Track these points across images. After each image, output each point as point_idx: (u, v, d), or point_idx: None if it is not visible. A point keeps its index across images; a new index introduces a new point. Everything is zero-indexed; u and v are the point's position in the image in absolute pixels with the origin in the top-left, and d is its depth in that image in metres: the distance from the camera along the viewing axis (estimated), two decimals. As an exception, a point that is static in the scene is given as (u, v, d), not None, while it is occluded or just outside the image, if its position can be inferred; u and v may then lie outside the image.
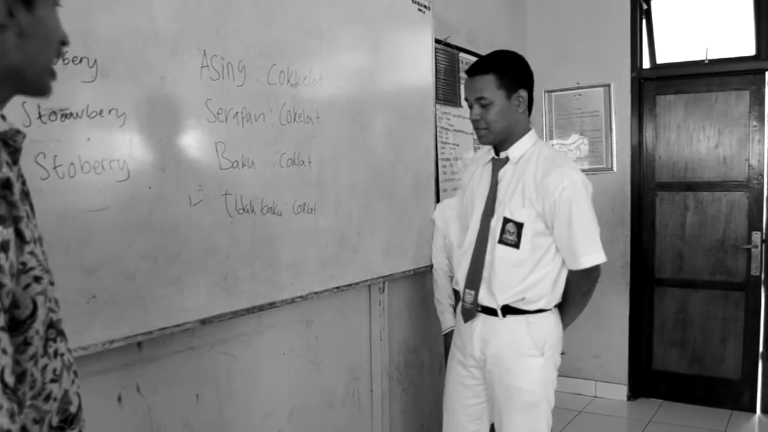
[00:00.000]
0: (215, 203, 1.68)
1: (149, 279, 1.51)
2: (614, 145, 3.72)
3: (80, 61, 1.35)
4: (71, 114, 1.34)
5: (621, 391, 3.75)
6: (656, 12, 3.73)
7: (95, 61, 1.38)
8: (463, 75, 2.95)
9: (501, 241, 1.83)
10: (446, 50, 2.95)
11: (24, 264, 0.67)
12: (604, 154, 3.75)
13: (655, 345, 3.74)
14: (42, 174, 1.28)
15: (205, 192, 1.65)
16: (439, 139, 2.81)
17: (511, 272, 1.82)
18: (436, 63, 2.75)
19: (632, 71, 3.67)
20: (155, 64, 1.52)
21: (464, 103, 1.98)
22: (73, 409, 0.75)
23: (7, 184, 0.65)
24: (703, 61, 3.56)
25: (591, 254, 1.79)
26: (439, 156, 2.82)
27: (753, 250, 3.46)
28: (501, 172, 1.88)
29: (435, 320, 2.59)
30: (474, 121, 1.85)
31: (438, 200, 2.73)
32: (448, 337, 2.36)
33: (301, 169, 1.97)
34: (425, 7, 2.63)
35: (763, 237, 3.45)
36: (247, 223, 1.78)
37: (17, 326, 0.67)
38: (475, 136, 1.96)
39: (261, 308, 1.84)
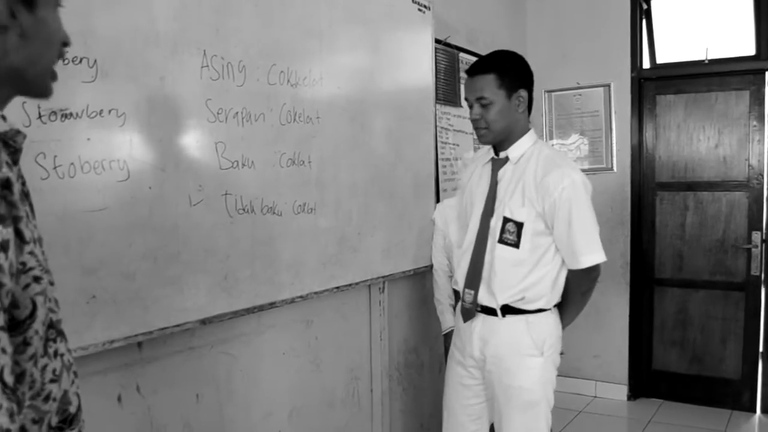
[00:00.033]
0: (215, 203, 1.68)
1: (149, 279, 1.51)
2: (614, 145, 3.72)
3: (80, 61, 1.35)
4: (71, 114, 1.34)
5: (621, 391, 3.75)
6: (656, 12, 3.73)
7: (95, 61, 1.38)
8: (463, 75, 2.95)
9: (501, 241, 1.83)
10: (446, 50, 2.95)
11: (23, 264, 0.67)
12: (604, 154, 3.75)
13: (655, 345, 3.74)
14: (42, 174, 1.28)
15: (205, 192, 1.65)
16: (439, 139, 2.81)
17: (511, 272, 1.82)
18: (436, 63, 2.75)
19: (632, 71, 3.67)
20: (155, 64, 1.52)
21: (464, 103, 1.98)
22: (72, 409, 0.75)
23: (6, 184, 0.65)
24: (703, 61, 3.56)
25: (591, 253, 1.80)
26: (439, 156, 2.82)
27: (753, 249, 3.46)
28: (501, 172, 1.88)
29: (435, 320, 2.59)
30: (474, 121, 1.85)
31: (438, 200, 2.73)
32: (448, 337, 2.36)
33: (301, 169, 1.97)
34: (425, 7, 2.63)
35: (763, 237, 3.45)
36: (247, 223, 1.78)
37: (16, 326, 0.67)
38: (475, 136, 1.96)
39: (261, 308, 1.84)
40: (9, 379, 0.61)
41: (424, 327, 2.79)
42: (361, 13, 2.24)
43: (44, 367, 0.71)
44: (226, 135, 1.71)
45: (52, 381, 0.72)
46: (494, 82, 1.80)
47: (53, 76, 0.75)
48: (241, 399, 1.90)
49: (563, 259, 1.84)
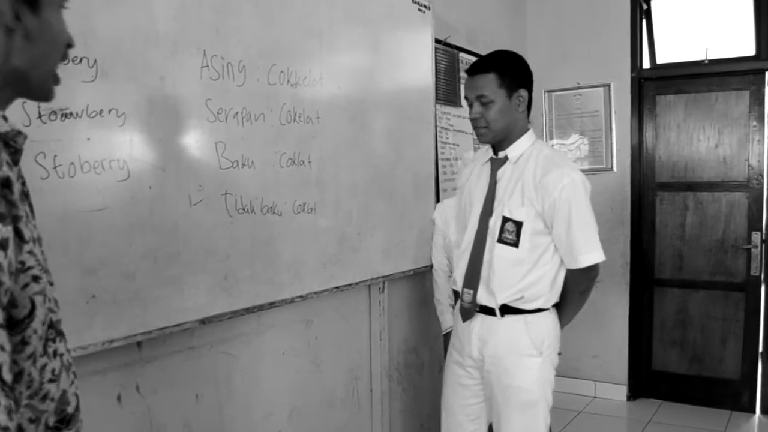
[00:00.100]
0: (215, 203, 1.68)
1: (149, 279, 1.51)
2: (614, 145, 3.73)
3: (80, 61, 1.35)
4: (71, 114, 1.34)
5: (620, 392, 3.75)
6: (656, 12, 3.73)
7: (95, 61, 1.38)
8: (463, 75, 2.95)
9: (500, 240, 1.84)
10: (446, 50, 2.95)
11: (22, 263, 0.67)
12: (604, 154, 3.75)
13: (655, 345, 3.74)
14: (42, 174, 1.28)
15: (205, 192, 1.65)
16: (439, 139, 2.81)
17: (510, 271, 1.83)
18: (436, 63, 2.75)
19: (632, 71, 3.67)
20: (155, 64, 1.52)
21: (464, 103, 1.98)
22: (70, 409, 0.75)
23: (6, 183, 0.65)
24: (703, 61, 3.56)
25: (590, 253, 1.80)
26: (439, 156, 2.82)
27: (753, 250, 3.46)
28: (500, 172, 1.88)
29: (435, 320, 2.59)
30: (474, 120, 1.86)
31: (438, 200, 2.74)
32: (447, 337, 2.36)
33: (301, 169, 1.97)
34: (425, 7, 2.63)
35: (763, 237, 3.45)
36: (247, 223, 1.78)
37: (15, 325, 0.67)
38: (475, 136, 1.96)
39: (261, 308, 1.84)
40: (8, 376, 0.61)
41: (423, 327, 2.79)
42: (361, 13, 2.24)
43: (43, 367, 0.71)
44: (226, 135, 1.71)
45: (50, 381, 0.72)
46: (495, 82, 1.81)
47: (55, 80, 0.75)
48: (240, 399, 1.90)
49: (562, 258, 1.84)
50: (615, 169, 3.73)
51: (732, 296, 3.53)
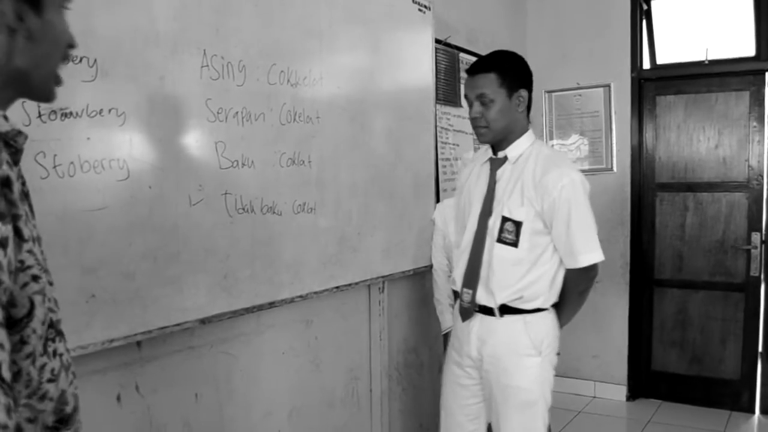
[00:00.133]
0: (215, 203, 1.68)
1: (149, 278, 1.51)
2: (614, 146, 3.72)
3: (80, 60, 1.35)
4: (71, 113, 1.34)
5: (620, 392, 3.75)
6: (656, 12, 3.72)
7: (95, 60, 1.38)
8: (463, 75, 2.95)
9: (499, 240, 1.84)
10: (446, 50, 2.95)
11: (22, 262, 0.67)
12: (604, 155, 3.75)
13: (655, 345, 3.74)
14: (42, 173, 1.29)
15: (205, 192, 1.65)
16: (439, 139, 2.81)
17: (510, 271, 1.83)
18: (436, 63, 2.75)
19: (632, 72, 3.67)
20: (155, 63, 1.52)
21: (464, 103, 1.98)
22: (68, 409, 0.75)
23: (6, 182, 0.65)
24: (703, 61, 3.56)
25: (589, 252, 1.80)
26: (439, 156, 2.82)
27: (752, 250, 3.46)
28: (499, 172, 1.88)
29: (434, 320, 2.59)
30: (473, 119, 1.86)
31: (438, 200, 2.74)
32: (447, 336, 2.36)
33: (301, 169, 1.97)
34: (425, 7, 2.63)
35: (763, 238, 3.45)
36: (246, 222, 1.78)
37: (14, 325, 0.66)
38: (475, 136, 1.96)
39: (261, 308, 1.84)
40: (7, 374, 0.61)
41: (423, 327, 2.79)
42: (361, 13, 2.24)
43: (43, 367, 0.71)
44: (226, 134, 1.71)
45: (49, 380, 0.72)
46: (495, 81, 1.81)
47: (57, 81, 0.75)
48: (240, 398, 1.90)
49: (561, 258, 1.84)
50: (615, 169, 3.73)
51: (732, 297, 3.53)
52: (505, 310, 1.85)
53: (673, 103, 3.65)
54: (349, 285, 2.21)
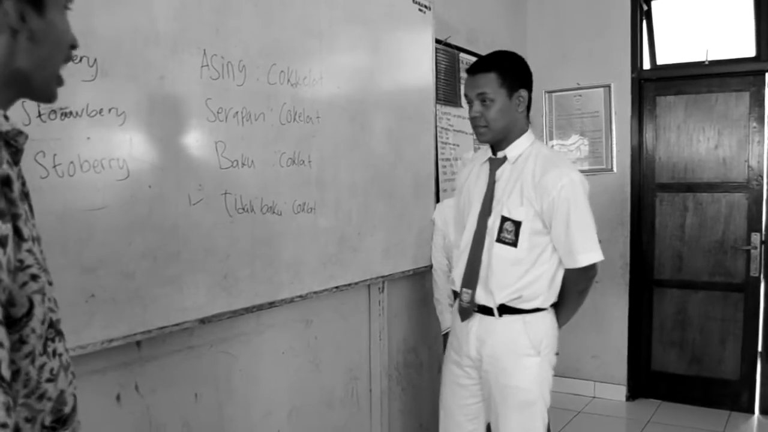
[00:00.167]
0: (215, 202, 1.68)
1: (148, 278, 1.51)
2: (614, 146, 3.72)
3: (80, 60, 1.35)
4: (71, 113, 1.34)
5: (620, 392, 3.76)
6: (656, 13, 3.72)
7: (95, 60, 1.38)
8: (463, 75, 2.95)
9: (499, 240, 1.84)
10: (446, 50, 2.95)
11: (21, 261, 0.67)
12: (604, 155, 3.75)
13: (654, 346, 3.74)
14: (41, 173, 1.28)
15: (204, 191, 1.65)
16: (439, 139, 2.81)
17: (509, 270, 1.83)
18: (436, 63, 2.75)
19: (632, 72, 3.67)
20: (155, 63, 1.52)
21: (464, 103, 1.98)
22: (67, 409, 0.75)
23: (6, 181, 0.65)
24: (704, 62, 3.56)
25: (588, 252, 1.80)
26: (439, 156, 2.82)
27: (752, 251, 3.46)
28: (499, 172, 1.89)
29: (434, 320, 2.59)
30: (473, 119, 1.86)
31: (438, 200, 2.74)
32: (447, 336, 2.36)
33: (300, 169, 1.97)
34: (425, 7, 2.63)
35: (763, 238, 3.45)
36: (246, 222, 1.78)
37: (12, 324, 0.66)
38: (475, 136, 1.96)
39: (260, 308, 1.84)
40: (6, 373, 0.61)
41: (423, 327, 2.79)
42: (361, 13, 2.24)
43: (42, 366, 0.71)
44: (225, 134, 1.71)
45: (48, 380, 0.72)
46: (496, 81, 1.81)
47: (59, 82, 0.75)
48: (240, 398, 1.90)
49: (560, 258, 1.84)
50: (615, 169, 3.73)
51: (731, 297, 3.53)
52: (504, 309, 1.85)
53: (673, 103, 3.65)
54: (349, 285, 2.21)
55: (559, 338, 1.94)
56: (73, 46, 0.76)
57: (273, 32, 1.85)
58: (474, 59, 2.13)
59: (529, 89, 1.88)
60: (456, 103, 2.99)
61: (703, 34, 3.61)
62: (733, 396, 3.54)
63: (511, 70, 1.84)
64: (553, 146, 3.85)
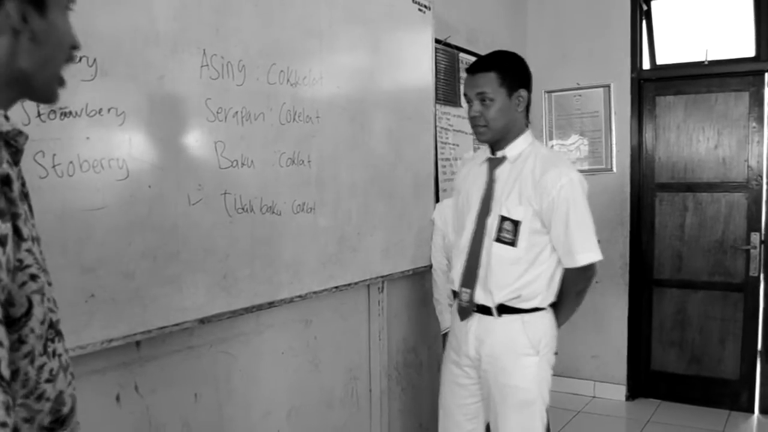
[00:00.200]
0: (214, 202, 1.68)
1: (148, 278, 1.51)
2: (614, 146, 3.72)
3: (80, 59, 1.35)
4: (70, 113, 1.34)
5: (619, 392, 3.76)
6: (656, 13, 3.72)
7: (95, 60, 1.38)
8: (463, 75, 2.95)
9: (498, 239, 1.84)
10: (446, 50, 2.95)
11: (20, 261, 0.67)
12: (604, 155, 3.75)
13: (654, 345, 3.74)
14: (41, 173, 1.28)
15: (204, 191, 1.65)
16: (438, 139, 2.81)
17: (508, 270, 1.83)
18: (436, 63, 2.75)
19: (632, 72, 3.67)
20: (155, 63, 1.52)
21: (464, 103, 1.98)
22: (65, 410, 0.75)
23: (6, 180, 0.65)
24: (703, 62, 3.56)
25: (587, 252, 1.81)
26: (439, 156, 2.82)
27: (752, 251, 3.46)
28: (498, 171, 1.89)
29: (434, 320, 2.59)
30: (473, 118, 1.86)
31: (437, 200, 2.74)
32: (447, 336, 2.36)
33: (300, 169, 1.97)
34: (425, 7, 2.63)
35: (762, 238, 3.45)
36: (246, 222, 1.78)
37: (11, 324, 0.66)
38: (474, 135, 1.96)
39: (260, 308, 1.84)
40: (6, 372, 0.61)
41: (422, 327, 2.79)
42: (361, 13, 2.24)
43: (41, 367, 0.71)
44: (225, 134, 1.71)
45: (47, 381, 0.72)
46: (496, 80, 1.82)
47: (61, 82, 0.75)
48: (239, 398, 1.90)
49: (559, 257, 1.85)
50: (614, 169, 3.73)
51: (731, 297, 3.53)
52: (503, 309, 1.85)
53: (672, 103, 3.65)
54: (349, 285, 2.21)
55: (558, 338, 1.94)
56: (75, 47, 0.76)
57: (273, 32, 1.85)
58: (474, 59, 2.13)
59: (529, 89, 1.89)
60: (456, 103, 2.99)
61: (703, 34, 3.61)
62: (732, 395, 3.54)
63: (511, 70, 1.84)
64: (552, 146, 3.85)
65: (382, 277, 2.40)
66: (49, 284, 0.73)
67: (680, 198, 3.64)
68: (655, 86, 3.68)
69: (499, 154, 1.90)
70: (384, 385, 2.52)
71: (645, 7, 3.71)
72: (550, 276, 1.85)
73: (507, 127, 1.86)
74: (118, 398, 1.55)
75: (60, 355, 0.74)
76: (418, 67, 2.61)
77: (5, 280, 0.62)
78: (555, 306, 1.91)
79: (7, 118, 0.70)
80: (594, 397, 3.81)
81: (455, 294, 2.00)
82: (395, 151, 2.45)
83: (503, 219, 1.83)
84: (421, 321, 2.77)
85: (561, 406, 3.50)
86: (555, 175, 1.78)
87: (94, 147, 1.39)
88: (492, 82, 1.82)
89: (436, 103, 2.76)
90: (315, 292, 2.04)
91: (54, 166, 1.31)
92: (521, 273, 1.83)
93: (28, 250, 0.68)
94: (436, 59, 2.75)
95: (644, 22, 3.73)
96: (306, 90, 1.98)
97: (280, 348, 2.05)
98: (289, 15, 1.91)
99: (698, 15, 3.66)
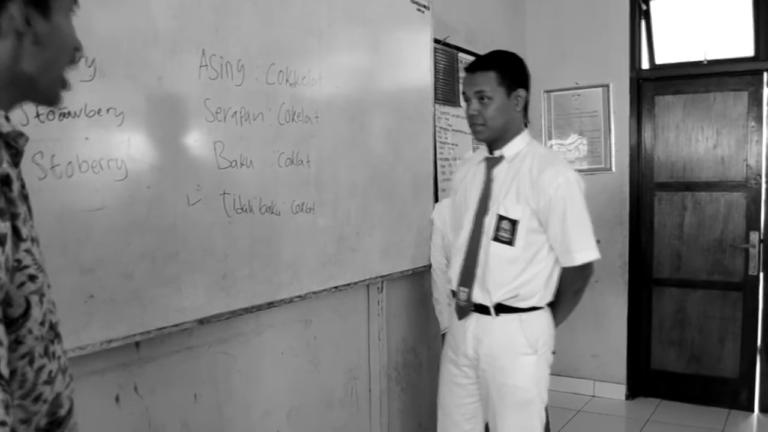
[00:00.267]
0: (213, 203, 1.68)
1: (147, 278, 1.50)
2: (613, 146, 3.73)
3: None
4: (69, 113, 1.34)
5: (619, 391, 3.76)
6: (655, 12, 3.73)
7: (93, 60, 1.38)
8: (462, 75, 2.95)
9: (495, 239, 1.84)
10: (445, 50, 2.95)
11: (19, 261, 0.67)
12: (603, 155, 3.75)
13: (654, 344, 3.74)
14: (40, 173, 1.28)
15: (203, 191, 1.65)
16: (437, 139, 2.81)
17: (506, 269, 1.83)
18: (435, 63, 2.75)
19: (631, 71, 3.67)
20: (154, 63, 1.52)
21: (463, 103, 1.99)
22: (62, 412, 0.74)
23: (6, 180, 0.65)
24: (702, 61, 3.56)
25: (585, 250, 1.81)
26: (438, 156, 2.82)
27: (751, 249, 3.46)
28: (495, 171, 1.89)
29: (433, 320, 2.59)
30: (471, 117, 1.87)
31: (437, 200, 2.74)
32: (446, 336, 2.36)
33: (299, 169, 1.97)
34: (424, 6, 2.63)
35: (761, 237, 3.45)
36: (245, 222, 1.77)
37: (9, 324, 0.66)
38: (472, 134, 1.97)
39: (259, 308, 1.84)
40: (5, 371, 0.60)
41: (422, 327, 2.79)
42: (361, 13, 2.24)
43: (41, 368, 0.71)
44: (224, 134, 1.71)
45: (46, 383, 0.71)
46: (495, 79, 1.82)
47: (64, 85, 0.75)
48: (239, 399, 1.89)
49: (557, 256, 1.85)
50: (614, 169, 3.73)
51: (730, 296, 3.54)
52: (501, 308, 1.85)
53: (671, 103, 3.65)
54: (348, 285, 2.21)
55: (557, 337, 1.94)
56: (78, 50, 0.76)
57: (272, 32, 1.85)
58: (473, 59, 2.13)
59: (528, 89, 1.89)
60: (455, 103, 2.99)
61: (702, 34, 3.61)
62: (732, 394, 3.54)
63: (510, 70, 1.85)
64: (551, 146, 3.85)
65: (381, 277, 2.40)
66: (48, 286, 0.73)
67: (679, 197, 3.64)
68: (654, 86, 3.68)
69: (497, 153, 1.90)
70: (383, 385, 2.52)
71: (644, 7, 3.71)
72: (547, 275, 1.85)
73: (505, 127, 1.86)
74: (117, 399, 1.55)
75: (59, 357, 0.74)
76: (417, 67, 2.61)
77: (4, 280, 0.62)
78: (553, 305, 1.91)
79: (7, 119, 0.70)
80: (594, 396, 3.81)
81: (453, 293, 2.00)
82: (394, 151, 2.45)
83: (501, 218, 1.83)
84: (420, 321, 2.77)
85: (561, 406, 3.50)
86: (552, 174, 1.78)
87: (93, 147, 1.38)
88: (491, 81, 1.82)
89: (435, 102, 2.76)
90: (314, 292, 2.04)
91: (53, 167, 1.31)
92: (519, 272, 1.83)
93: (27, 251, 0.68)
94: (435, 59, 2.75)
95: (643, 22, 3.73)
96: (305, 90, 1.97)
97: (279, 348, 2.05)
98: (289, 14, 1.91)
99: (697, 14, 3.66)
